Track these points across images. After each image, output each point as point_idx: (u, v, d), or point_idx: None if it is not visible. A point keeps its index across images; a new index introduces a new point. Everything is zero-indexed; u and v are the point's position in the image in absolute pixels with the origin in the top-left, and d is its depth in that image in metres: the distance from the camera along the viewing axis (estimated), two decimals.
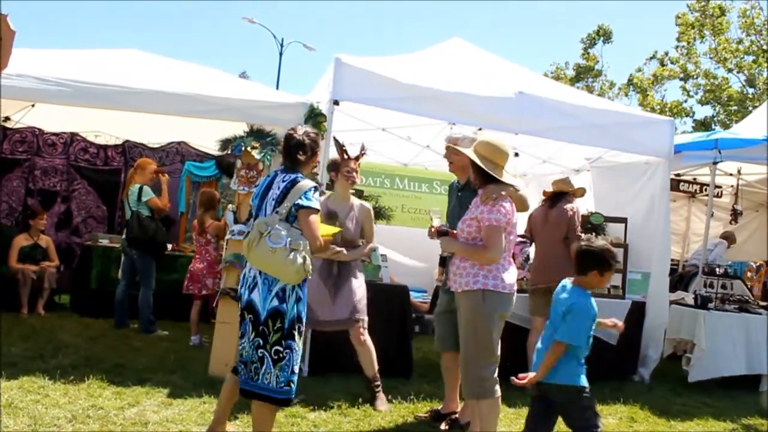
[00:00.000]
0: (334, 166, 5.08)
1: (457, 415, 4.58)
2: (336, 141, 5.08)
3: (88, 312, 7.25)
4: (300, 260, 3.32)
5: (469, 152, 3.96)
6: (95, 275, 7.43)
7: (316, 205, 3.48)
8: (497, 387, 3.87)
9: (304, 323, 3.51)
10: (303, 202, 3.43)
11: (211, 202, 6.79)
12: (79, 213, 8.63)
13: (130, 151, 8.81)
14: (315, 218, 3.47)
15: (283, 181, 3.51)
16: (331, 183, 5.19)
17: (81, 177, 8.63)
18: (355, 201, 5.16)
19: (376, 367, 4.93)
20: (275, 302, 3.40)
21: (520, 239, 4.10)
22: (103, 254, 7.50)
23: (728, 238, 9.07)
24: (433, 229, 4.12)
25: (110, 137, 8.85)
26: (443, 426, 4.50)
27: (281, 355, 3.39)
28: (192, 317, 6.52)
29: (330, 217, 4.92)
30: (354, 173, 5.01)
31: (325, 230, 3.69)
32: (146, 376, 4.98)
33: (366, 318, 4.92)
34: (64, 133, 8.51)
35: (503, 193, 3.83)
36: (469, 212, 3.93)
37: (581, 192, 6.29)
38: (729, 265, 7.63)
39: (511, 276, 3.87)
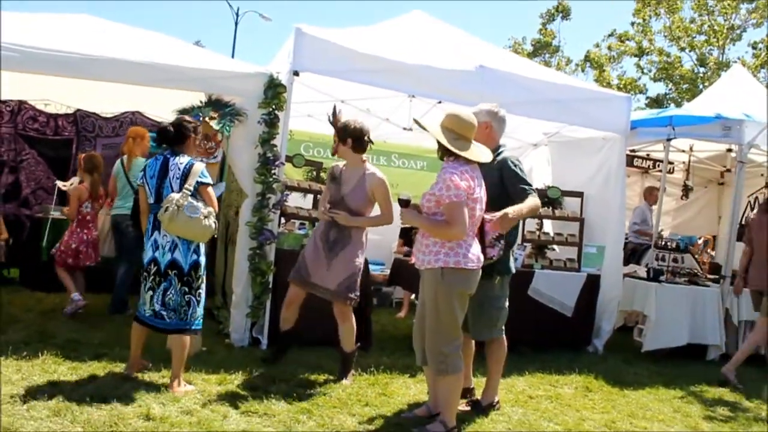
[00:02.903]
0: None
1: (479, 397, 4.59)
2: (334, 109, 4.94)
3: (39, 286, 7.06)
4: (212, 224, 4.26)
5: (434, 129, 3.95)
6: (46, 248, 7.21)
7: (211, 180, 4.44)
8: (460, 362, 3.92)
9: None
10: (203, 179, 4.34)
11: (98, 165, 6.42)
12: (28, 184, 8.34)
13: (81, 120, 8.53)
14: (211, 190, 4.42)
15: (181, 164, 4.32)
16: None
17: (30, 147, 8.31)
18: (368, 170, 4.85)
19: (354, 343, 4.92)
20: (195, 256, 4.31)
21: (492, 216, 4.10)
22: (54, 226, 7.28)
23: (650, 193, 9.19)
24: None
25: (60, 106, 8.53)
26: (463, 407, 4.45)
27: (201, 295, 4.36)
28: (68, 278, 6.22)
29: (332, 180, 4.88)
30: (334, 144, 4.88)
31: None
32: (102, 351, 4.89)
33: (356, 296, 4.83)
34: (11, 100, 8.17)
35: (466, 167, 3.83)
36: (430, 188, 3.91)
37: None
38: (679, 239, 7.83)
39: (472, 252, 3.88)
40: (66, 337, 5.26)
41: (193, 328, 4.36)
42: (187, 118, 4.61)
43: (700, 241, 9.32)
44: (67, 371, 4.38)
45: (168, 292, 4.26)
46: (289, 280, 4.96)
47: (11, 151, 8.25)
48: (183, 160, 4.35)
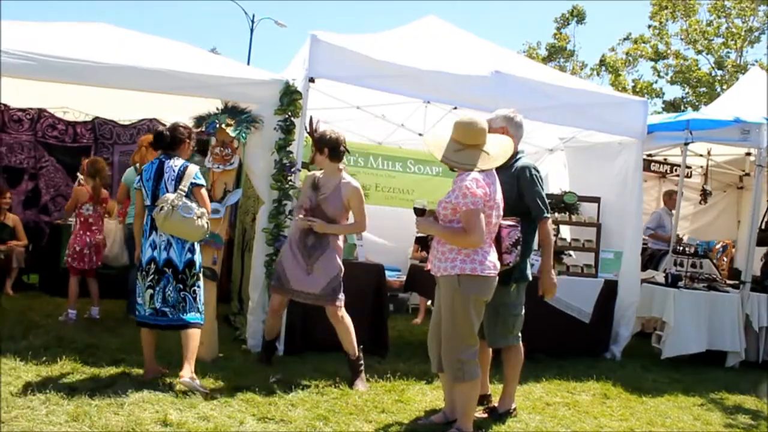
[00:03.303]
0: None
1: (495, 404, 4.57)
2: (311, 120, 5.16)
3: (57, 291, 7.12)
4: (205, 224, 4.45)
5: (436, 148, 3.94)
6: (65, 254, 7.29)
7: (204, 182, 4.64)
8: (477, 369, 3.91)
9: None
10: (197, 181, 4.52)
11: (101, 170, 6.55)
12: (47, 191, 8.46)
13: (99, 128, 8.63)
14: (205, 191, 4.60)
15: (175, 166, 4.50)
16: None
17: (49, 154, 8.44)
18: (344, 179, 5.00)
19: (355, 345, 4.94)
20: (189, 255, 4.50)
21: (510, 223, 4.09)
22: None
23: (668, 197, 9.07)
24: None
25: (79, 114, 8.64)
26: (480, 414, 4.43)
27: (197, 293, 4.54)
28: (75, 290, 6.31)
29: (312, 187, 4.99)
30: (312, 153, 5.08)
31: None
32: (120, 356, 4.92)
33: (342, 296, 4.91)
34: (31, 109, 8.30)
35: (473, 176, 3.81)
36: (446, 195, 3.91)
37: None
38: (698, 244, 7.75)
39: (489, 259, 3.86)
40: (84, 342, 5.30)
41: (191, 322, 4.49)
42: (182, 124, 4.76)
43: (718, 246, 9.22)
44: (85, 376, 4.41)
45: (166, 289, 4.45)
46: (270, 290, 5.16)
47: (31, 159, 8.37)
48: (177, 162, 4.54)
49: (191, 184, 4.48)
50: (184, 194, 4.41)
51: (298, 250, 4.92)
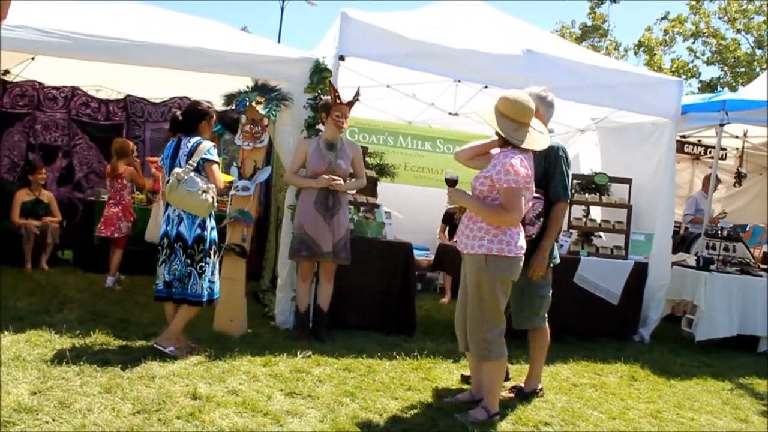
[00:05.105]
0: (325, 108, 5.31)
1: (522, 384, 4.57)
2: (331, 84, 5.32)
3: (91, 267, 7.27)
4: (210, 199, 4.49)
5: (489, 115, 3.89)
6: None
7: (216, 158, 4.64)
8: (503, 348, 3.90)
9: (216, 244, 4.71)
10: (207, 156, 4.57)
11: (123, 150, 6.94)
12: (81, 168, 8.60)
13: (131, 106, 8.73)
14: (216, 168, 4.62)
15: (190, 143, 4.59)
16: (322, 123, 5.43)
17: (82, 132, 8.57)
18: (344, 140, 5.48)
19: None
20: (198, 231, 4.56)
21: (534, 195, 4.04)
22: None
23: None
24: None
25: (111, 92, 8.75)
26: (506, 393, 4.44)
27: (204, 269, 4.57)
28: (113, 260, 6.78)
29: (330, 148, 5.29)
30: (344, 119, 5.27)
31: (223, 177, 4.84)
32: (151, 330, 5.00)
33: (349, 256, 5.35)
34: (65, 87, 8.43)
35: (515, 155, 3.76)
36: (484, 170, 3.86)
37: None
38: (731, 227, 7.61)
39: (518, 239, 3.83)
40: (117, 316, 5.41)
41: (200, 300, 4.59)
42: (201, 102, 4.81)
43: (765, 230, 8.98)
44: (117, 349, 4.51)
45: (174, 263, 4.57)
46: (298, 261, 5.37)
47: (65, 136, 8.51)
48: (192, 139, 4.64)
49: (201, 159, 4.55)
50: (191, 169, 4.50)
51: (320, 212, 5.21)
